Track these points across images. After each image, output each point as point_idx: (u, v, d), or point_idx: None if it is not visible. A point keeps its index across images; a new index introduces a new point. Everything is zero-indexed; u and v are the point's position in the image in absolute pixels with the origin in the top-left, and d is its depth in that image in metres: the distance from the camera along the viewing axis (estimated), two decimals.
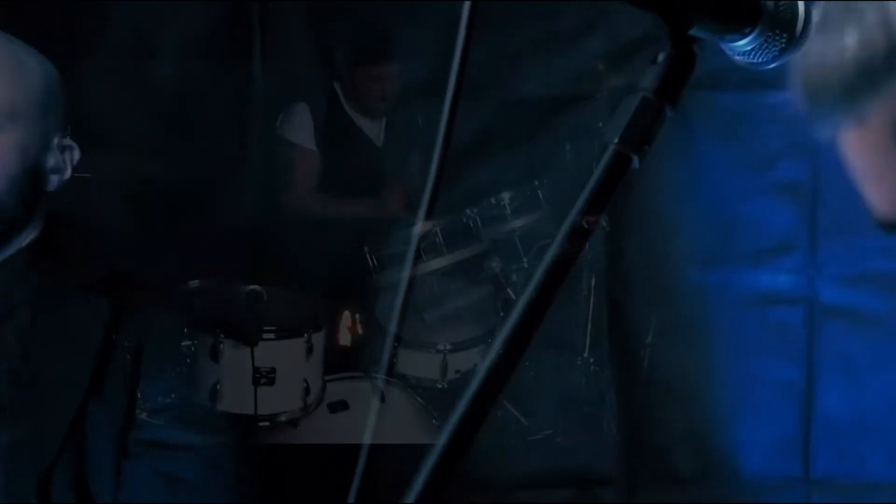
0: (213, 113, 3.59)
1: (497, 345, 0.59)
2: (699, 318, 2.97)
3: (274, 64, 3.71)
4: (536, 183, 3.25)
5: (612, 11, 3.12)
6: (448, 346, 2.99)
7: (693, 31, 0.65)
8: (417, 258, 2.99)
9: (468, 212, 3.13)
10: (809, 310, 2.87)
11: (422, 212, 0.64)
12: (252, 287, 2.70)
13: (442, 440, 0.57)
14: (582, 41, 3.30)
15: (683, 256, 3.01)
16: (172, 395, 2.55)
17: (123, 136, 2.91)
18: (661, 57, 0.65)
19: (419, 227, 2.60)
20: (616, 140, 0.63)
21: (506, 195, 3.16)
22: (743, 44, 0.68)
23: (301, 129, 3.46)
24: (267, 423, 2.65)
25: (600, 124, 3.63)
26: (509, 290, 3.03)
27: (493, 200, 3.17)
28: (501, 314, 3.00)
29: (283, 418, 2.70)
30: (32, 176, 1.47)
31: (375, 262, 3.03)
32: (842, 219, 2.70)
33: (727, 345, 2.93)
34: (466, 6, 0.58)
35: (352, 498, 0.61)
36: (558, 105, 3.49)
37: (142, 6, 3.27)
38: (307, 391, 2.74)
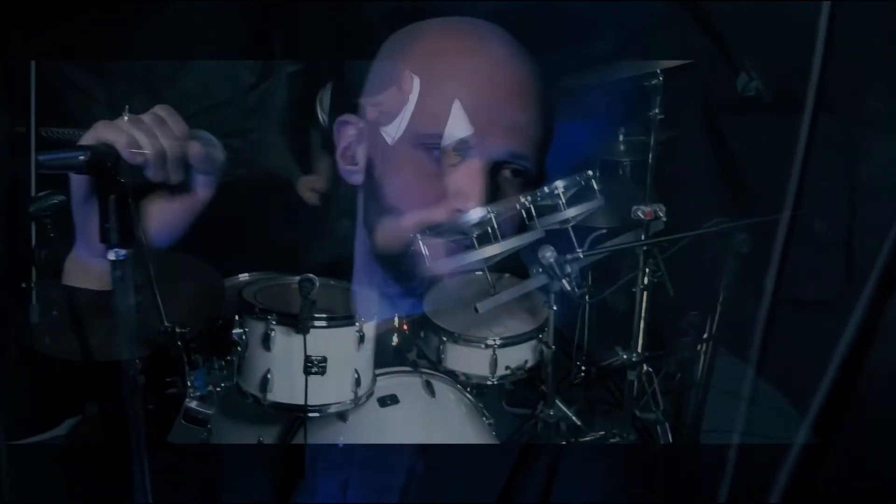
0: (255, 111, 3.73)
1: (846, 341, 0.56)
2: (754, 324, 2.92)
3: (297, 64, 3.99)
4: (590, 173, 3.14)
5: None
6: (498, 341, 2.91)
7: None
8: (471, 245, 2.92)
9: (523, 199, 3.04)
10: (853, 316, 2.82)
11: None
12: (304, 275, 2.65)
13: (802, 436, 0.54)
14: None
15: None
16: (222, 385, 2.50)
17: None
18: None
19: (474, 214, 2.51)
20: None
21: (560, 184, 3.06)
22: None
23: (321, 110, 3.67)
24: (317, 414, 2.60)
25: (655, 111, 3.53)
26: (563, 282, 2.93)
27: (546, 189, 3.07)
28: (553, 308, 2.90)
29: (332, 410, 2.65)
30: None
31: (427, 252, 2.94)
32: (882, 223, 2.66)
33: (780, 352, 2.89)
34: (826, 6, 0.54)
35: (722, 498, 0.59)
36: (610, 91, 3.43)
37: (174, 7, 3.31)
38: (358, 382, 2.69)
